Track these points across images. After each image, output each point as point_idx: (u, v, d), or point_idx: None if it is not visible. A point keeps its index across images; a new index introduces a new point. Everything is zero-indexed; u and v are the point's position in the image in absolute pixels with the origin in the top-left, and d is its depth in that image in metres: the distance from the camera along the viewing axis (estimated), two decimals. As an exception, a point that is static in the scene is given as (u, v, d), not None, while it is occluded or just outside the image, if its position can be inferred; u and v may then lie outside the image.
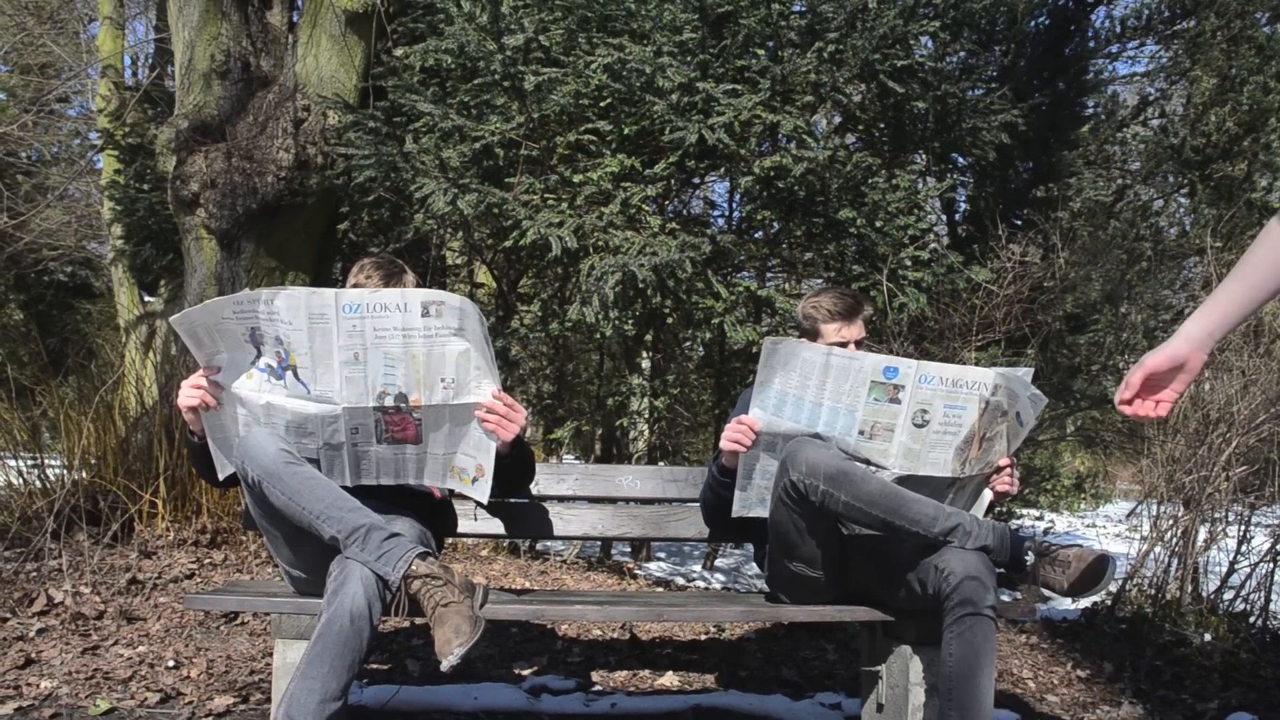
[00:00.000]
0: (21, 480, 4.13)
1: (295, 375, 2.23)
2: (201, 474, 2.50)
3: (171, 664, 3.20)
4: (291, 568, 2.40)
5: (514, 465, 2.48)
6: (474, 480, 2.37)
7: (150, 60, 12.34)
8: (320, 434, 2.27)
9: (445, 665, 2.01)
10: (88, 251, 14.53)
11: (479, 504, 2.49)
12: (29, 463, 4.17)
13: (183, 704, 2.94)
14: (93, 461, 4.19)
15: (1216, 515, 4.24)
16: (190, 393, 2.27)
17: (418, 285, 2.63)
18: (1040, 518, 7.80)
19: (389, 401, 2.26)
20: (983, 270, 4.65)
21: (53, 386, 4.60)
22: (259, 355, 2.23)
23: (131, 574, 3.74)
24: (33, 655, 3.17)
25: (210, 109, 5.05)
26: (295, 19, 5.49)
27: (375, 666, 3.34)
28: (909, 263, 4.37)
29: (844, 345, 2.60)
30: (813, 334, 2.69)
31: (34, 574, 3.69)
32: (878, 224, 4.34)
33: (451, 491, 2.67)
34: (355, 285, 2.56)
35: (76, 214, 13.99)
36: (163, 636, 3.41)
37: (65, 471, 4.16)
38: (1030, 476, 6.20)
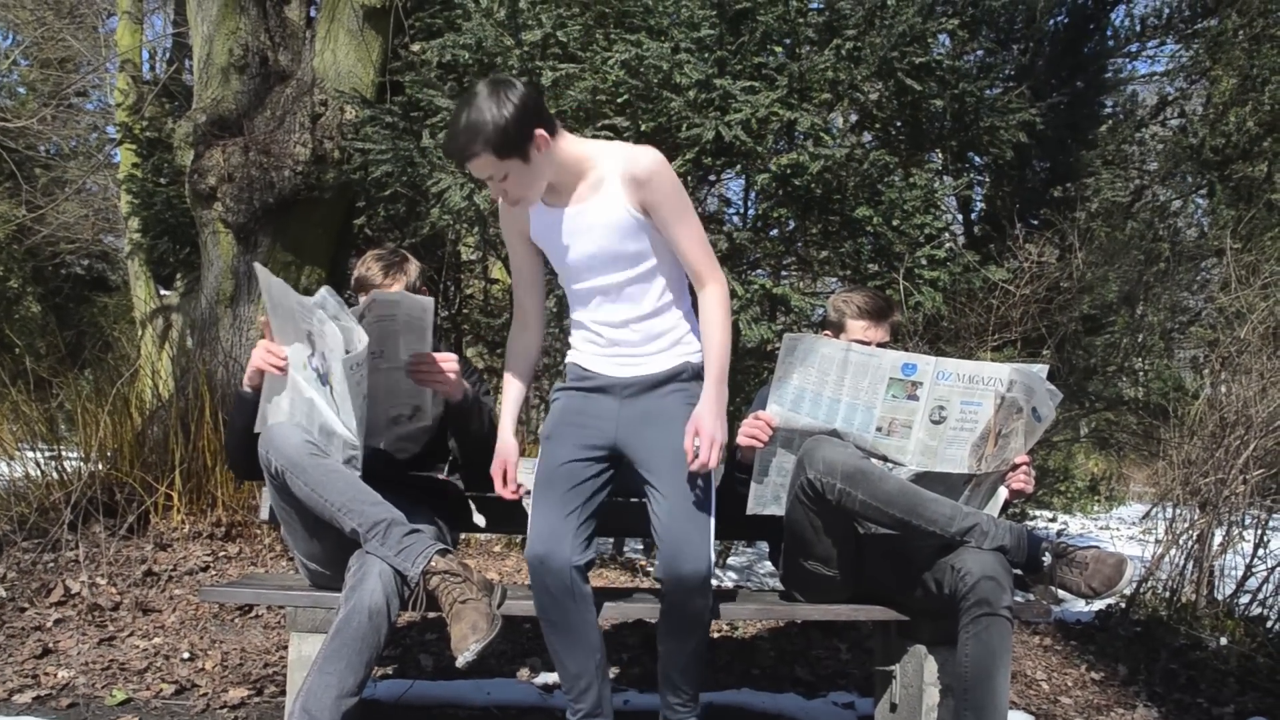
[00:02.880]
0: (39, 472, 4.16)
1: (331, 394, 2.26)
2: (230, 444, 2.52)
3: (186, 656, 3.21)
4: (309, 560, 2.41)
5: (470, 414, 2.52)
6: (411, 416, 2.51)
7: (168, 55, 12.40)
8: (338, 454, 2.29)
9: (461, 662, 2.02)
10: (105, 245, 14.61)
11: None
12: (46, 454, 4.20)
13: (197, 696, 2.95)
14: (109, 454, 4.22)
15: (1233, 518, 4.21)
16: (264, 356, 2.29)
17: (424, 274, 2.69)
18: (1054, 519, 7.76)
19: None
20: (999, 270, 4.63)
21: (70, 379, 4.63)
22: (312, 354, 2.26)
23: (147, 566, 3.76)
24: (50, 645, 3.20)
25: (228, 103, 5.07)
26: (313, 14, 5.50)
27: (389, 660, 3.35)
28: (925, 261, 4.35)
29: (865, 345, 2.59)
30: (838, 327, 2.69)
31: (51, 565, 3.72)
32: (894, 222, 4.32)
33: (461, 489, 2.71)
34: (357, 277, 2.64)
35: (94, 207, 14.08)
36: (178, 628, 3.43)
37: (82, 463, 4.18)
38: (1044, 478, 6.16)
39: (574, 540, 2.19)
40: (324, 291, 2.24)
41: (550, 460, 2.33)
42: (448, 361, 2.40)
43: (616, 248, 2.25)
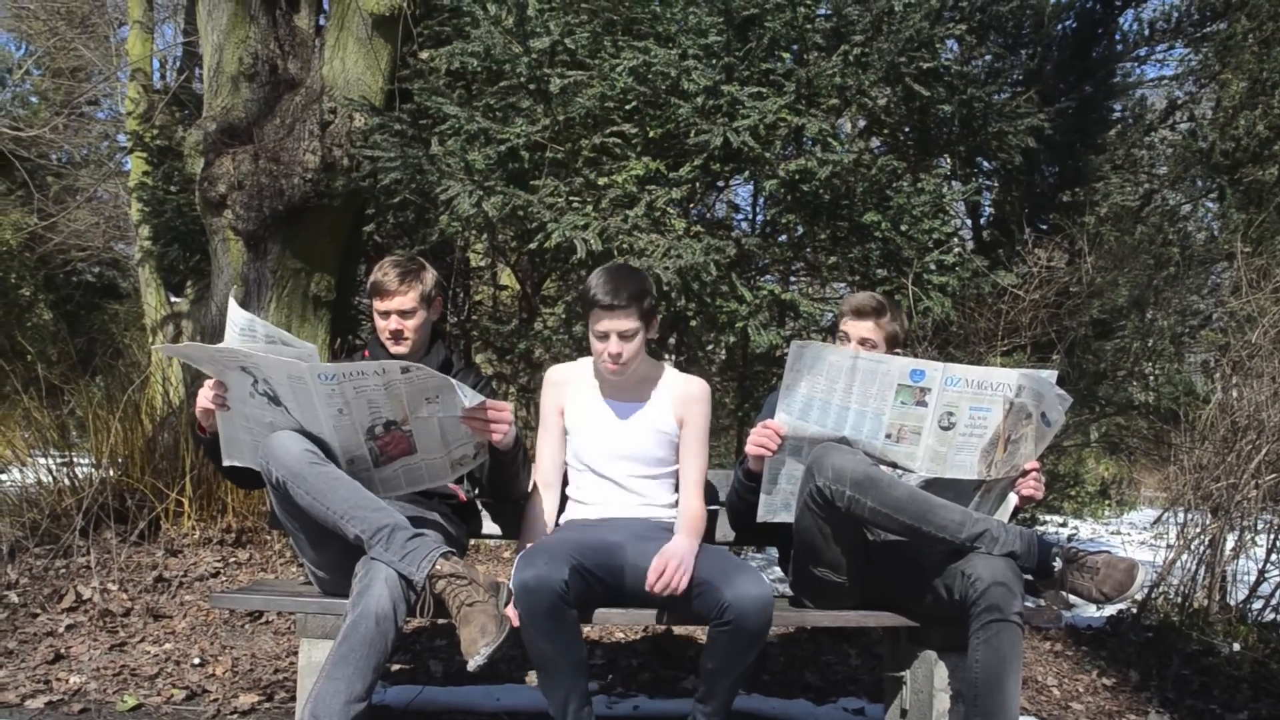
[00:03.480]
0: (51, 478, 4.18)
1: (287, 411, 2.26)
2: (217, 466, 2.54)
3: (197, 661, 3.22)
4: (317, 568, 2.41)
5: (513, 462, 2.52)
6: (475, 455, 2.48)
7: (179, 63, 12.46)
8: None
9: (472, 665, 2.02)
10: (115, 252, 14.68)
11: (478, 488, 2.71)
12: (58, 461, 4.22)
13: (208, 701, 2.96)
14: (120, 460, 4.23)
15: (1245, 523, 4.19)
16: (206, 395, 2.32)
17: (439, 282, 2.70)
18: (1065, 524, 7.72)
19: (379, 430, 2.31)
20: (1008, 275, 4.62)
21: (81, 386, 4.65)
22: (255, 381, 2.26)
23: (158, 572, 3.77)
24: (62, 651, 3.21)
25: (238, 111, 5.09)
26: (322, 22, 5.52)
27: (399, 667, 3.35)
28: (934, 267, 4.34)
29: (861, 342, 2.63)
30: (835, 327, 2.74)
31: (63, 571, 3.73)
32: (903, 228, 4.32)
33: (474, 493, 2.71)
34: (373, 281, 2.66)
35: (105, 215, 14.16)
36: (189, 634, 3.44)
37: (93, 470, 4.20)
38: (1055, 483, 6.14)
39: (568, 569, 2.19)
40: (245, 318, 2.24)
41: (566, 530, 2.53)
42: (502, 411, 2.40)
43: (650, 450, 2.58)
